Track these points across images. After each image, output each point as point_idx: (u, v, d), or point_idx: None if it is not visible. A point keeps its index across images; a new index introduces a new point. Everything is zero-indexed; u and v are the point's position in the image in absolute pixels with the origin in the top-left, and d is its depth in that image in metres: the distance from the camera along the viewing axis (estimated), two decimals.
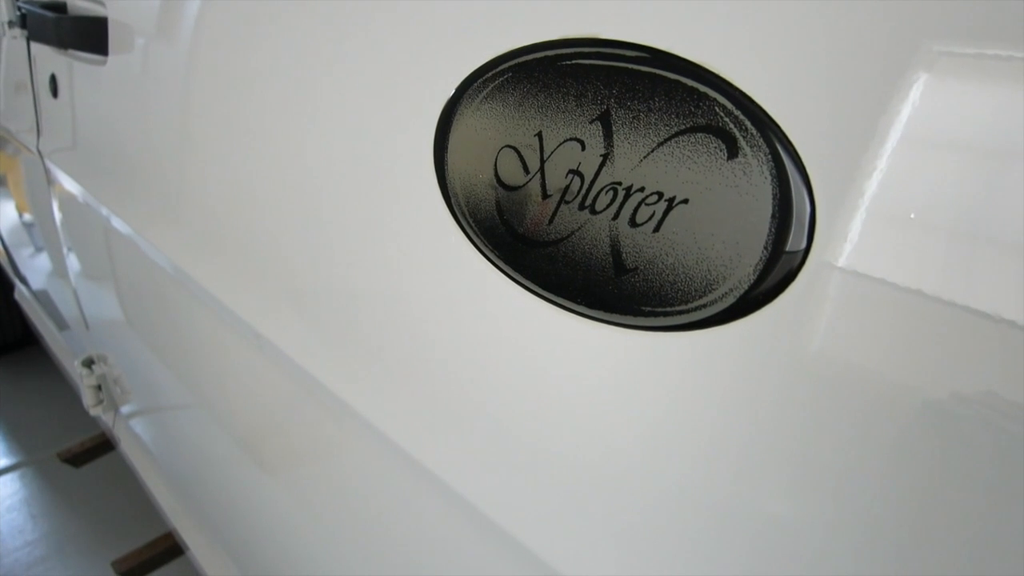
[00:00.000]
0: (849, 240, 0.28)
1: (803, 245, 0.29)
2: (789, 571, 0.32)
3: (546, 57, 0.36)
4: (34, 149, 1.28)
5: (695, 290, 0.32)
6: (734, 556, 0.34)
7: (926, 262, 0.26)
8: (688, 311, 0.32)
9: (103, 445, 2.03)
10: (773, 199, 0.29)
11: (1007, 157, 0.24)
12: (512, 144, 0.38)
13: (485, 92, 0.39)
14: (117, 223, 0.98)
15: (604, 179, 0.34)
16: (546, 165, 0.36)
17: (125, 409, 1.38)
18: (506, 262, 0.40)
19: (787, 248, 0.29)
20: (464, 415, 0.47)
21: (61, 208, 1.27)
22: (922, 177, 0.26)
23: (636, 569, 0.39)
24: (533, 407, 0.42)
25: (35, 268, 1.82)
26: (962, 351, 0.25)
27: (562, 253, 0.37)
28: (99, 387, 1.40)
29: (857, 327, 0.28)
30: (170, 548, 1.66)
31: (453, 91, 0.41)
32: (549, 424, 0.41)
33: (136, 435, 1.37)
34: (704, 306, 0.32)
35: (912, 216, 0.26)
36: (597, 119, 0.34)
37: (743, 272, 0.30)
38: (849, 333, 0.28)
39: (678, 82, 0.31)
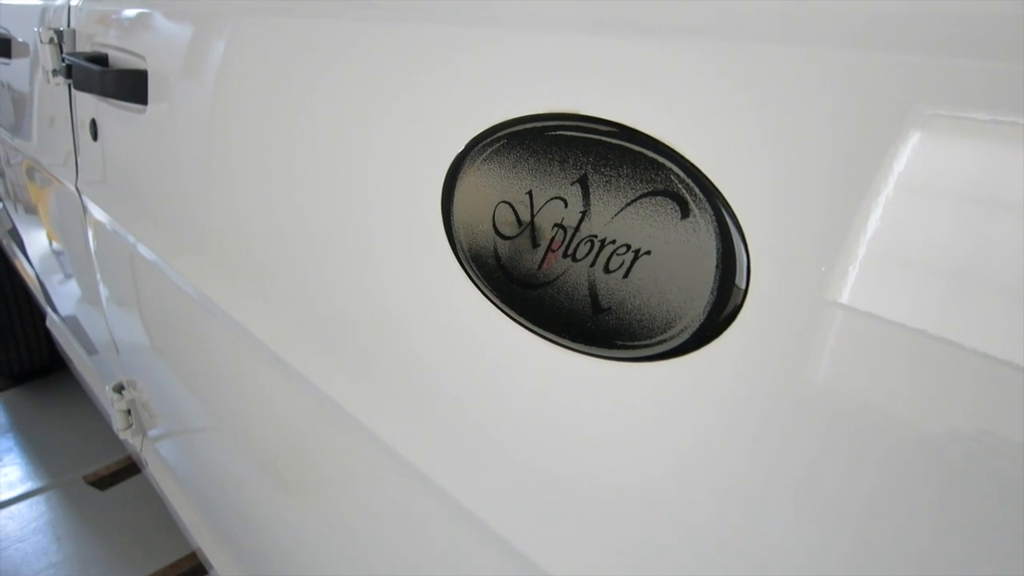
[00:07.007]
0: (780, 282, 0.33)
1: (743, 287, 0.34)
2: None
3: (535, 128, 0.42)
4: (72, 186, 1.36)
5: (658, 327, 0.38)
6: (702, 569, 0.39)
7: (849, 292, 0.31)
8: (653, 344, 0.38)
9: (128, 468, 2.08)
10: (717, 252, 0.35)
11: (896, 188, 0.30)
12: (507, 200, 0.44)
13: (485, 155, 0.45)
14: (148, 253, 1.05)
15: (583, 232, 0.40)
16: (535, 219, 0.42)
17: (153, 432, 1.43)
18: (503, 301, 0.46)
19: (730, 291, 0.35)
20: (471, 436, 0.52)
21: (96, 240, 1.35)
22: (838, 229, 0.31)
23: (608, 570, 0.44)
24: (529, 429, 0.47)
25: (66, 296, 1.89)
26: (886, 366, 0.30)
27: (549, 294, 0.42)
28: (129, 412, 1.45)
29: (793, 354, 0.34)
30: (194, 568, 1.70)
31: (458, 153, 0.47)
32: (545, 445, 0.47)
33: (163, 458, 1.42)
34: (665, 340, 0.37)
35: (822, 269, 0.32)
36: (577, 182, 0.40)
37: (695, 312, 0.36)
38: (786, 359, 0.34)
39: (642, 153, 0.37)
